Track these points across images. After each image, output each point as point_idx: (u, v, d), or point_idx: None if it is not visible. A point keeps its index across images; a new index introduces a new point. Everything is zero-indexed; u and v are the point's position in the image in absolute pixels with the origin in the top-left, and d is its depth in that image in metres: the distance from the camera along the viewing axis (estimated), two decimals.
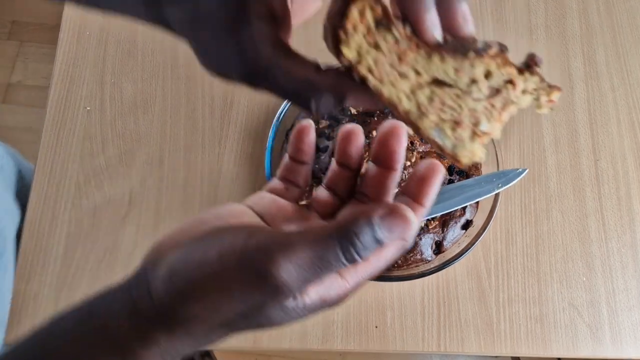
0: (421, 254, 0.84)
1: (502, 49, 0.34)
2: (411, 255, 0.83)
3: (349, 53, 0.32)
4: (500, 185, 0.82)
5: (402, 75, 0.33)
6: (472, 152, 0.35)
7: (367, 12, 0.32)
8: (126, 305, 0.35)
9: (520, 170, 0.84)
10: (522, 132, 0.94)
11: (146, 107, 0.94)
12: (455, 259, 0.81)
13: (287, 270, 0.30)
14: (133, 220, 0.87)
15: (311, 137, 0.39)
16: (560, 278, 0.86)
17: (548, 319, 0.84)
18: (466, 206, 0.86)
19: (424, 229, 0.84)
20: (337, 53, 0.33)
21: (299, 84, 0.33)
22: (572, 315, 0.84)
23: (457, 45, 0.34)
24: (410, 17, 0.32)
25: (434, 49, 0.33)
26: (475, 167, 0.88)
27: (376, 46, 0.32)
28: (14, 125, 2.01)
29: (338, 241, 0.30)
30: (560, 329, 0.84)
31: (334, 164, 0.40)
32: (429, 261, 0.84)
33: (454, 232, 0.85)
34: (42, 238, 0.85)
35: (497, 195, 0.83)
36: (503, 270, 0.87)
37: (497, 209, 0.83)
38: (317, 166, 0.85)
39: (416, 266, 0.83)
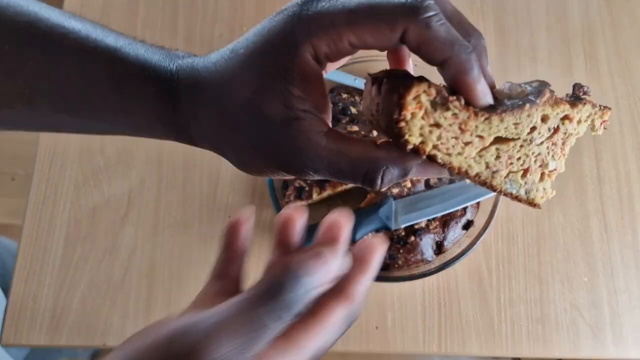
0: (422, 255, 0.84)
1: (551, 90, 0.35)
2: (412, 255, 0.83)
3: (414, 139, 0.32)
4: None
5: (467, 143, 0.34)
6: (545, 191, 0.37)
7: (422, 97, 0.32)
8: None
9: None
10: None
11: None
12: (456, 260, 0.80)
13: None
14: (132, 221, 0.87)
15: (243, 232, 0.39)
16: (562, 279, 0.86)
17: (549, 320, 0.84)
18: (467, 206, 0.85)
19: (424, 229, 0.84)
20: (401, 144, 0.33)
21: (362, 165, 0.34)
22: (574, 315, 0.84)
23: (512, 101, 0.35)
24: (463, 92, 0.33)
25: (491, 112, 0.34)
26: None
27: (437, 125, 0.33)
28: None
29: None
30: (561, 329, 0.84)
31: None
32: (430, 262, 0.84)
33: (455, 232, 0.85)
34: (41, 238, 0.85)
35: (497, 195, 0.83)
36: (504, 270, 0.86)
37: (498, 209, 0.83)
38: None
39: (417, 267, 0.83)
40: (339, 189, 0.84)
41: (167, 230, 0.86)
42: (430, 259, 0.84)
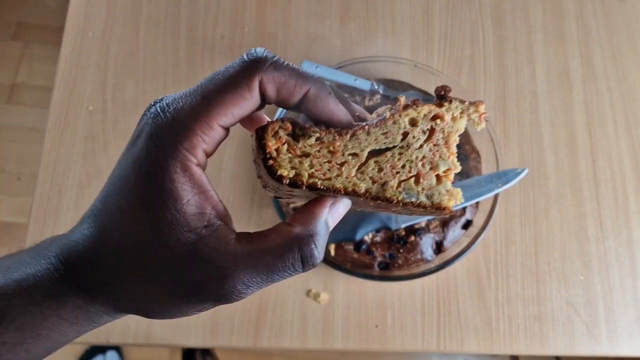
0: (421, 254, 0.84)
1: (408, 98, 0.36)
2: (411, 255, 0.84)
3: (287, 172, 0.33)
4: (500, 185, 0.83)
5: (343, 164, 0.35)
6: (450, 193, 0.36)
7: (280, 132, 0.33)
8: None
9: (519, 170, 0.84)
10: (521, 133, 0.94)
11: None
12: (455, 259, 0.81)
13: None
14: None
15: None
16: (559, 277, 0.86)
17: (546, 318, 0.85)
18: (466, 206, 0.86)
19: (424, 229, 0.85)
20: (277, 179, 0.33)
21: (292, 249, 0.32)
22: (570, 313, 0.85)
23: (372, 119, 0.36)
24: (326, 116, 0.34)
25: (355, 128, 0.35)
26: (476, 167, 0.89)
27: (305, 154, 0.34)
28: (19, 125, 2.02)
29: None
30: (558, 327, 0.84)
31: None
32: (429, 261, 0.84)
33: (454, 232, 0.86)
34: (46, 237, 0.86)
35: (496, 195, 0.84)
36: (502, 269, 0.87)
37: (496, 208, 0.83)
38: None
39: (416, 266, 0.84)
40: None
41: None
42: (429, 258, 0.84)
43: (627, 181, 0.92)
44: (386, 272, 0.84)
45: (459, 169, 0.36)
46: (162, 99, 0.32)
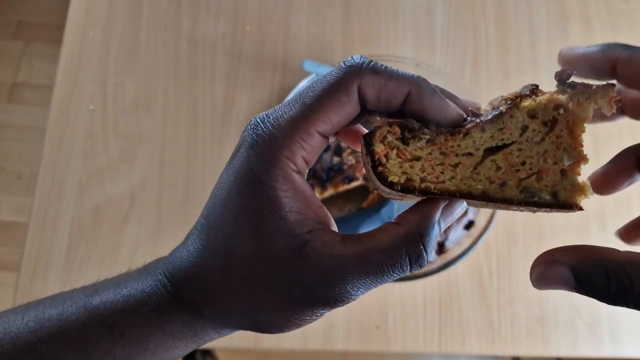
0: None
1: (525, 88, 0.33)
2: None
3: (398, 178, 0.32)
4: None
5: (456, 165, 0.33)
6: (577, 187, 0.33)
7: (388, 137, 0.32)
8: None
9: None
10: None
11: (148, 106, 0.94)
12: (457, 260, 0.81)
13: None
14: (134, 219, 0.88)
15: None
16: None
17: (548, 319, 0.84)
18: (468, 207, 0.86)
19: None
20: (388, 186, 0.32)
21: (400, 249, 0.31)
22: (572, 315, 0.84)
23: (486, 112, 0.34)
24: (434, 115, 0.32)
25: (468, 127, 0.33)
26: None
27: (416, 158, 0.32)
28: (19, 124, 2.02)
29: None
30: (560, 328, 0.84)
31: None
32: (431, 262, 0.84)
33: (456, 232, 0.85)
34: (46, 236, 0.86)
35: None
36: (504, 270, 0.87)
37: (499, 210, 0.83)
38: (318, 165, 0.85)
39: None
40: (341, 188, 0.85)
41: (169, 229, 0.87)
42: (431, 259, 0.84)
43: None
44: None
45: (587, 160, 0.33)
46: (261, 115, 0.33)
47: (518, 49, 1.00)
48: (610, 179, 0.40)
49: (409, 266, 0.31)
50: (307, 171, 0.33)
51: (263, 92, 0.95)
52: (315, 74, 0.89)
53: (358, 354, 0.86)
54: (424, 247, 0.32)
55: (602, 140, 0.92)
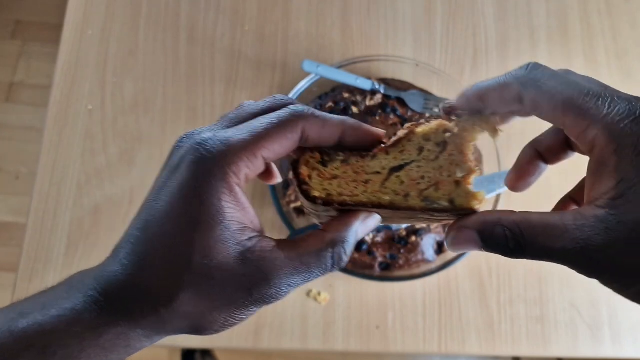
0: (423, 255, 0.84)
1: (418, 118, 0.39)
2: (413, 255, 0.83)
3: (319, 193, 0.38)
4: (502, 185, 0.82)
5: (367, 182, 0.39)
6: (472, 195, 0.38)
7: (311, 162, 0.39)
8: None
9: None
10: (523, 132, 0.93)
11: (147, 105, 0.94)
12: (457, 260, 0.81)
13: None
14: None
15: None
16: (561, 278, 0.86)
17: (549, 319, 0.84)
18: None
19: (425, 229, 0.84)
20: (312, 200, 0.38)
21: (326, 253, 0.37)
22: (573, 315, 0.84)
23: (390, 135, 0.40)
24: (364, 140, 0.39)
25: (375, 151, 0.40)
26: (477, 168, 0.88)
27: (333, 177, 0.39)
28: (17, 124, 2.01)
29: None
30: (560, 329, 0.84)
31: None
32: (431, 261, 0.84)
33: None
34: (44, 237, 0.86)
35: (498, 195, 0.83)
36: (504, 270, 0.86)
37: (498, 209, 0.83)
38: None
39: (417, 266, 0.83)
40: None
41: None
42: (431, 258, 0.84)
43: None
44: (387, 272, 0.83)
45: (477, 172, 0.39)
46: (191, 133, 0.37)
47: (518, 49, 1.00)
48: (520, 175, 0.45)
49: (331, 267, 0.37)
50: (245, 186, 0.37)
51: (263, 92, 0.95)
52: (314, 73, 0.89)
53: (358, 354, 0.85)
54: (344, 251, 0.37)
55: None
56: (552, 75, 0.37)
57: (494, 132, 0.40)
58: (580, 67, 0.98)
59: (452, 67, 0.98)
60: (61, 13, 1.00)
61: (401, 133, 0.40)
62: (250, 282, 0.34)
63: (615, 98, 0.35)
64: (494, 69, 0.98)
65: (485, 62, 0.98)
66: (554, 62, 0.99)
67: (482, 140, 0.88)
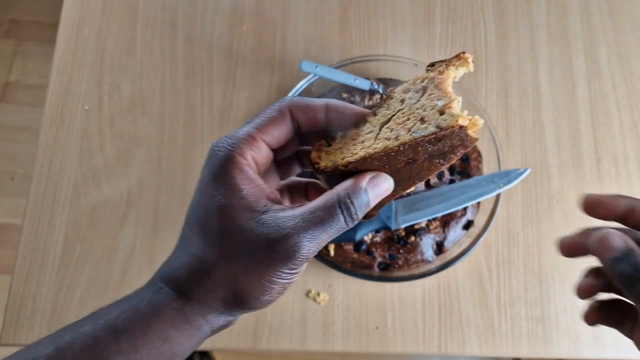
0: (422, 255, 0.83)
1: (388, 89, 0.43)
2: (412, 255, 0.83)
3: (325, 164, 0.43)
4: (502, 185, 0.82)
5: (363, 141, 0.43)
6: (457, 115, 0.39)
7: (320, 148, 0.45)
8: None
9: (522, 170, 0.84)
10: (524, 132, 0.93)
11: (145, 106, 0.93)
12: (457, 260, 0.80)
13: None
14: (131, 220, 0.87)
15: None
16: (562, 279, 0.86)
17: (550, 320, 0.84)
18: (467, 206, 0.85)
19: (425, 230, 0.84)
20: (322, 172, 0.43)
21: (332, 204, 0.40)
22: (574, 316, 0.84)
23: (372, 106, 0.46)
24: (334, 121, 0.45)
25: (365, 117, 0.45)
26: (477, 167, 0.88)
27: (337, 149, 0.44)
28: (12, 124, 2.01)
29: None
30: (562, 329, 0.83)
31: None
32: (430, 262, 0.84)
33: (455, 232, 0.85)
34: (40, 238, 0.85)
35: (498, 195, 0.83)
36: (504, 271, 0.86)
37: (498, 209, 0.82)
38: None
39: (417, 267, 0.83)
40: None
41: (166, 230, 0.86)
42: (430, 259, 0.84)
43: (632, 181, 0.91)
44: (386, 272, 0.83)
45: (458, 99, 0.40)
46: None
47: (518, 48, 0.99)
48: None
49: (343, 219, 0.40)
50: (257, 170, 0.42)
51: (261, 93, 0.95)
52: (313, 74, 0.89)
53: (357, 355, 0.85)
54: (353, 205, 0.40)
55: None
56: None
57: (466, 64, 0.43)
58: (581, 66, 0.98)
59: None
60: (56, 12, 0.99)
61: (385, 95, 0.44)
62: (269, 238, 0.38)
63: None
64: (493, 68, 0.98)
65: (485, 61, 0.98)
66: (554, 61, 0.99)
67: (483, 140, 0.88)
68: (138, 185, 0.89)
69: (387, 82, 0.92)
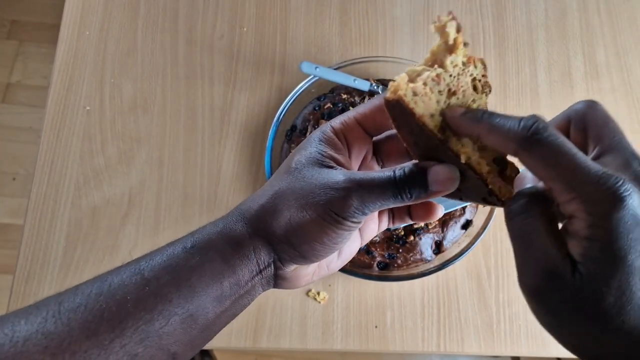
0: (421, 254, 0.84)
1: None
2: (411, 255, 0.83)
3: (420, 110, 0.42)
4: None
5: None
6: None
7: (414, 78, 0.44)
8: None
9: (521, 170, 0.84)
10: None
11: (146, 106, 0.94)
12: (455, 259, 0.81)
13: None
14: (132, 220, 0.87)
15: None
16: None
17: None
18: (466, 206, 0.86)
19: (423, 229, 0.84)
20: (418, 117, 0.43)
21: (382, 178, 0.43)
22: None
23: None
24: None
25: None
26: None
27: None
28: (14, 125, 2.01)
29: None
30: None
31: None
32: (429, 261, 0.84)
33: (454, 232, 0.85)
34: (41, 238, 0.85)
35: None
36: (503, 270, 0.86)
37: (497, 208, 0.82)
38: None
39: (416, 266, 0.83)
40: None
41: (167, 230, 0.87)
42: (429, 258, 0.84)
43: None
44: (385, 272, 0.83)
45: (482, 60, 0.46)
46: None
47: (516, 48, 1.00)
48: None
49: (398, 195, 0.42)
50: (349, 149, 0.47)
51: (262, 93, 0.95)
52: (312, 75, 0.89)
53: (356, 353, 0.85)
54: (405, 172, 0.43)
55: None
56: None
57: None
58: (579, 66, 0.98)
59: None
60: (58, 13, 1.00)
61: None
62: (330, 195, 0.42)
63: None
64: (491, 68, 0.98)
65: None
66: (553, 62, 0.99)
67: None
68: (139, 186, 0.89)
69: (386, 83, 0.92)
